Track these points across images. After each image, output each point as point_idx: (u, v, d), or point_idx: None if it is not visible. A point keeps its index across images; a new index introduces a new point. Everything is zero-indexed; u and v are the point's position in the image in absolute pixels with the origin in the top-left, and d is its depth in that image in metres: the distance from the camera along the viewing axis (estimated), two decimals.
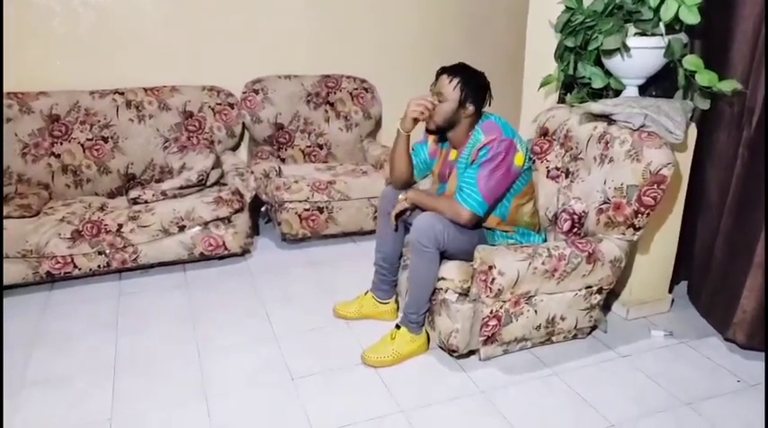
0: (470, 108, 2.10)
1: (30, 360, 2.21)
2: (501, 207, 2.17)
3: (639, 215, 2.08)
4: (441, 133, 2.20)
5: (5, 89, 2.99)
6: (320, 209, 3.10)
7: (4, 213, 2.62)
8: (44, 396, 2.01)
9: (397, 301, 2.48)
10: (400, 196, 2.22)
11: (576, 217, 2.24)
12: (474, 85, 2.09)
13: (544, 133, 2.46)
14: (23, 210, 2.67)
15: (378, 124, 3.75)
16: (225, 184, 3.06)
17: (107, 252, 2.69)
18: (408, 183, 2.35)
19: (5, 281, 2.58)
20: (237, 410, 1.95)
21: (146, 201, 2.82)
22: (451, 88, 2.08)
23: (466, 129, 2.15)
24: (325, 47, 3.68)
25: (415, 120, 2.16)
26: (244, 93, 3.44)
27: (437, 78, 2.13)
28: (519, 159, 2.10)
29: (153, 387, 2.06)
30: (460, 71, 2.11)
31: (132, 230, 2.70)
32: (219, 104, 3.34)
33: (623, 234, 2.13)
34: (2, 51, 2.92)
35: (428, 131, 2.23)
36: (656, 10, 2.15)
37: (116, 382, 2.09)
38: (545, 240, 2.31)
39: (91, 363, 2.19)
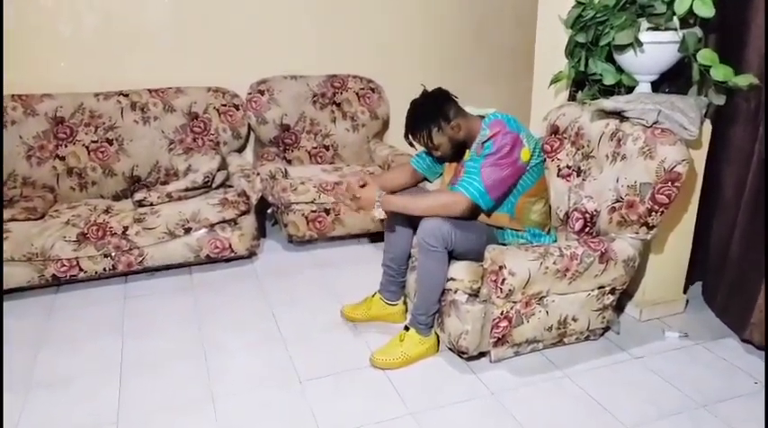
0: (452, 125, 2.07)
1: (35, 361, 2.19)
2: (507, 203, 2.14)
3: (653, 213, 2.04)
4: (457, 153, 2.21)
5: (10, 91, 2.98)
6: (327, 211, 3.07)
7: (9, 216, 2.60)
8: (50, 398, 2.00)
9: (405, 303, 2.44)
10: (376, 204, 2.17)
11: (588, 216, 2.21)
12: (436, 112, 2.06)
13: (555, 131, 2.42)
14: (28, 213, 2.66)
15: (385, 125, 3.72)
16: (231, 186, 3.03)
17: (113, 254, 2.67)
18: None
19: (11, 285, 2.56)
20: (245, 412, 1.92)
21: (151, 204, 2.79)
22: (429, 137, 2.08)
23: (471, 132, 2.12)
24: (331, 46, 3.65)
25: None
26: (249, 93, 3.42)
27: (412, 144, 2.15)
28: (525, 154, 2.07)
29: (159, 389, 2.04)
30: (416, 121, 2.09)
31: (138, 233, 2.68)
32: (225, 105, 3.32)
33: (636, 233, 2.09)
34: (1, 54, 2.92)
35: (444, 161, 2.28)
36: (670, 3, 2.11)
37: (122, 384, 2.06)
38: (555, 241, 2.27)
39: (97, 365, 2.17)
